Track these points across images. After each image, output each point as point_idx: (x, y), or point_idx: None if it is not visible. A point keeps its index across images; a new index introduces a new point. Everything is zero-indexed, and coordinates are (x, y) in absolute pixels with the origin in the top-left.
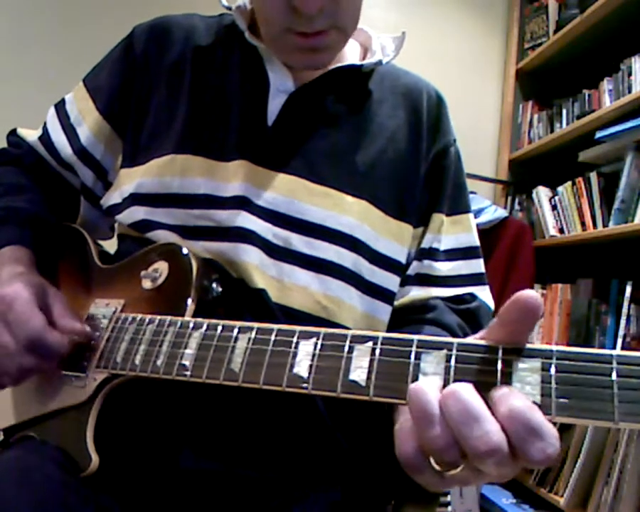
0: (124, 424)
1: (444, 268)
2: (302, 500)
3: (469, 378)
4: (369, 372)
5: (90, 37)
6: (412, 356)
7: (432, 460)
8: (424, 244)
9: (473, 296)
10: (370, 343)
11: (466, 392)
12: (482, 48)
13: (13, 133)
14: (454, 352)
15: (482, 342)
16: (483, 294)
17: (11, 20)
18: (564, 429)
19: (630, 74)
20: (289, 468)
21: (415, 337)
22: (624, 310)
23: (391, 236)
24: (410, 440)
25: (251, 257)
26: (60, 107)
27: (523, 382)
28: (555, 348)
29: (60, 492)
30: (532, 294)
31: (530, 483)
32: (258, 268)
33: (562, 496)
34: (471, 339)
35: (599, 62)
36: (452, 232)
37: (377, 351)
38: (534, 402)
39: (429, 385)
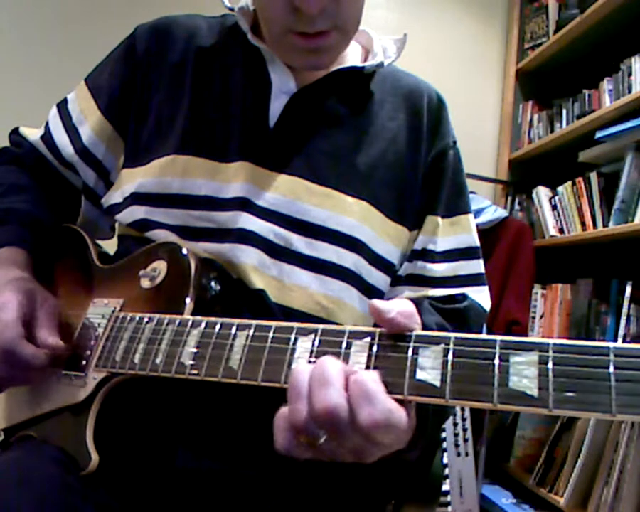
0: (124, 423)
1: (439, 269)
2: (301, 500)
3: (467, 372)
4: (367, 368)
5: (92, 36)
6: (410, 351)
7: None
8: (416, 246)
9: (464, 296)
10: (368, 339)
11: (330, 363)
12: (482, 47)
13: (15, 132)
14: (452, 346)
15: (479, 336)
16: (478, 294)
17: (12, 19)
18: (564, 429)
19: (630, 74)
20: (287, 467)
21: (413, 332)
22: (624, 310)
23: (389, 238)
24: (283, 417)
25: (250, 258)
26: (62, 107)
27: (521, 376)
28: (552, 341)
29: (60, 491)
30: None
31: (530, 483)
32: (257, 269)
33: (562, 496)
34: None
35: (599, 62)
36: (451, 233)
37: (375, 347)
38: (531, 395)
39: (305, 366)
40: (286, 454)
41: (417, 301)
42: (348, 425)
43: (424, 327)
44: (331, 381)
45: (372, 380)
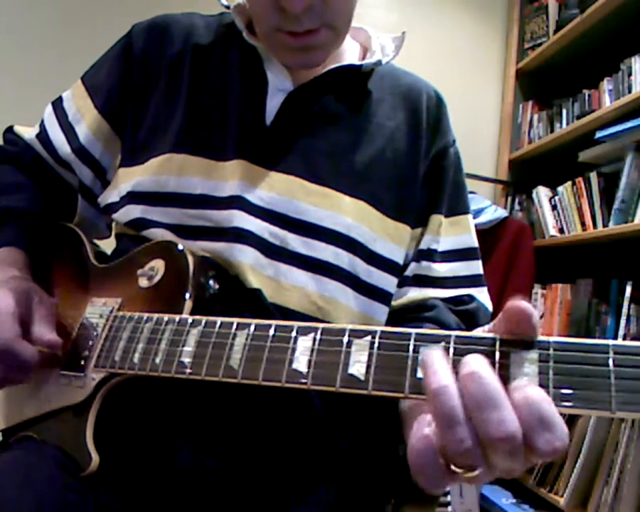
0: (123, 422)
1: (441, 269)
2: (300, 500)
3: None
4: (368, 367)
5: (89, 34)
6: (411, 349)
7: (451, 465)
8: (423, 246)
9: (471, 298)
10: (368, 337)
11: (488, 376)
12: (482, 47)
13: (9, 130)
14: (452, 344)
15: (479, 333)
16: (482, 295)
17: (9, 18)
18: None
19: (630, 74)
20: (287, 467)
21: (413, 331)
22: (624, 310)
23: (388, 237)
24: (425, 444)
25: (246, 257)
26: (58, 105)
27: (521, 373)
28: (552, 339)
29: (60, 492)
30: (521, 306)
31: (530, 483)
32: (253, 268)
33: (562, 496)
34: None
35: (599, 62)
36: (451, 233)
37: (376, 345)
38: None
39: (448, 378)
40: (428, 486)
41: (431, 304)
42: (522, 453)
43: (446, 325)
44: (501, 402)
45: (547, 402)
